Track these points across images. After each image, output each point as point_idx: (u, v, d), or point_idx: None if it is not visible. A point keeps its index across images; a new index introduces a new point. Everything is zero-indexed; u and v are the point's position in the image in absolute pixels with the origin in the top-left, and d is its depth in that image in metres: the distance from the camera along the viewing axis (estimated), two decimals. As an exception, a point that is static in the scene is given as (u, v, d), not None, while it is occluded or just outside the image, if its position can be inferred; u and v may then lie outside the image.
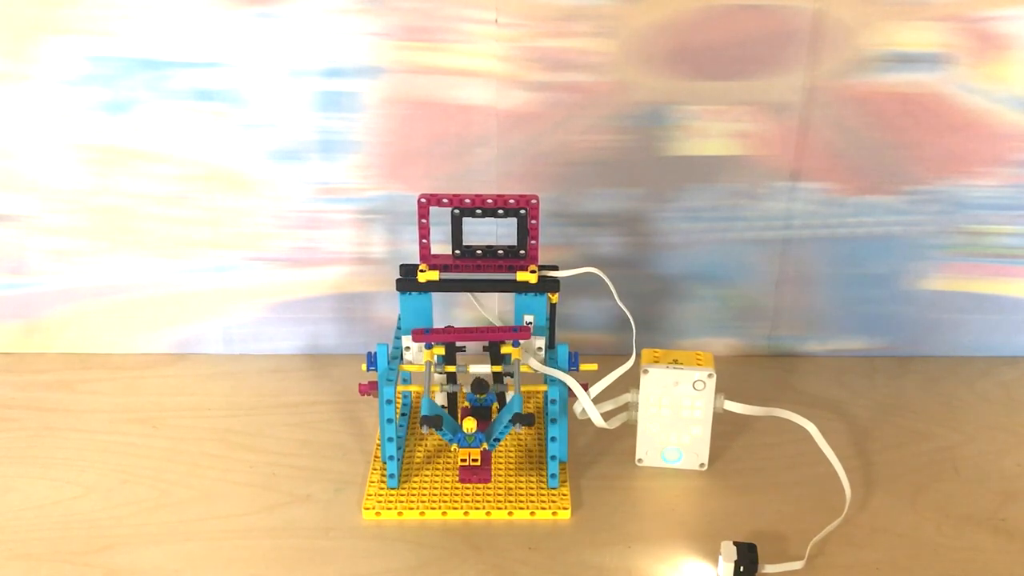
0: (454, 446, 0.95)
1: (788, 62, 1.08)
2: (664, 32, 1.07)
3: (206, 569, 0.90)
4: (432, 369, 0.99)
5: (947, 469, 1.04)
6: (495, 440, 0.95)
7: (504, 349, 1.00)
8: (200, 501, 0.99)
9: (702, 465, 1.03)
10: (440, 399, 1.12)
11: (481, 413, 0.99)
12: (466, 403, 1.00)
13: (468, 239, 1.02)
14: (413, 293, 1.02)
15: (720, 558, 0.88)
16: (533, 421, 0.92)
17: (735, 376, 1.16)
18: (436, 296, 1.05)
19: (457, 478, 1.00)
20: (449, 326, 1.01)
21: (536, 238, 1.01)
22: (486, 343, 1.00)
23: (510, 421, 0.92)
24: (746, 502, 0.99)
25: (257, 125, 1.11)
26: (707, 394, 0.99)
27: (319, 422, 1.11)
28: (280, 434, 1.09)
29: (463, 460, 0.97)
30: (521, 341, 1.00)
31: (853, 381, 1.19)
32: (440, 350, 1.00)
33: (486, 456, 0.97)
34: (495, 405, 1.01)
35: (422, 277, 1.01)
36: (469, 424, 0.94)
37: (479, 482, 0.98)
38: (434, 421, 0.92)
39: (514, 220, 1.00)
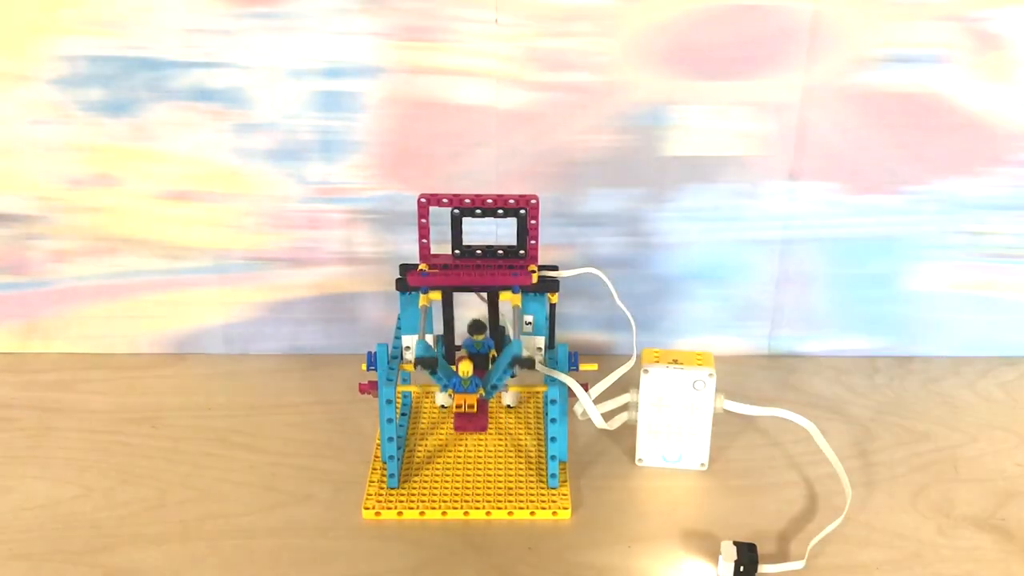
0: (449, 392, 0.93)
1: (788, 62, 1.08)
2: (664, 32, 1.07)
3: (206, 569, 0.90)
4: (425, 316, 0.97)
5: (947, 469, 1.04)
6: (493, 387, 0.93)
7: (503, 296, 0.99)
8: (200, 501, 0.99)
9: (702, 465, 1.03)
10: (440, 399, 1.12)
11: (478, 360, 0.96)
12: (463, 350, 0.98)
13: (468, 239, 1.02)
14: (413, 293, 1.02)
15: (720, 558, 0.88)
16: (533, 364, 0.90)
17: (735, 376, 1.17)
18: (436, 296, 1.05)
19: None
20: (446, 268, 0.99)
21: (536, 238, 1.01)
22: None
23: (509, 365, 0.90)
24: (746, 502, 0.99)
25: (257, 125, 1.11)
26: (707, 394, 0.99)
27: (319, 422, 1.11)
28: (280, 434, 1.09)
29: (459, 407, 0.94)
30: (519, 285, 0.98)
31: (853, 381, 1.19)
32: (436, 295, 0.98)
33: (482, 404, 0.94)
34: (492, 353, 0.99)
35: (422, 277, 1.01)
36: (465, 367, 0.91)
37: (475, 430, 0.95)
38: (429, 363, 0.90)
39: (514, 220, 1.00)
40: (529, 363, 0.89)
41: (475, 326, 0.97)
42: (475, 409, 0.95)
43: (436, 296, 0.99)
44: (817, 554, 0.91)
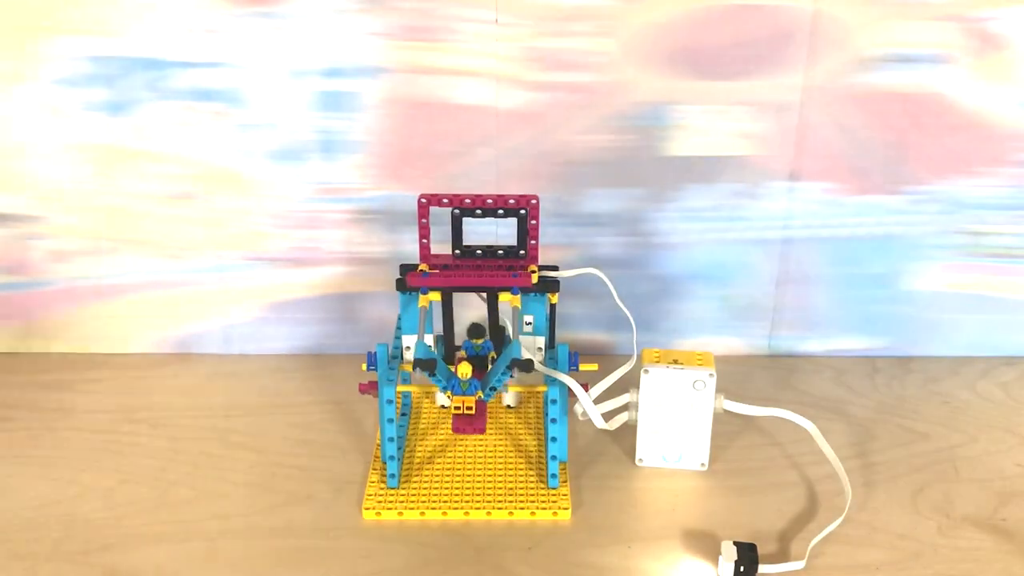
0: (447, 393, 0.93)
1: (788, 62, 1.08)
2: (664, 32, 1.07)
3: (206, 569, 0.90)
4: (424, 317, 0.97)
5: (947, 469, 1.04)
6: (491, 389, 0.93)
7: (503, 297, 0.99)
8: (200, 501, 0.99)
9: (702, 465, 1.03)
10: (440, 399, 1.12)
11: (477, 362, 0.96)
12: (462, 351, 0.98)
13: (468, 239, 1.02)
14: (413, 293, 1.02)
15: (720, 558, 0.88)
16: (532, 367, 0.90)
17: (735, 376, 1.17)
18: (436, 296, 1.05)
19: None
20: (446, 268, 0.99)
21: (536, 238, 1.01)
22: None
23: (508, 367, 0.90)
24: (746, 502, 0.99)
25: (257, 125, 1.11)
26: (707, 394, 0.99)
27: (319, 422, 1.11)
28: (280, 434, 1.09)
29: (456, 408, 0.93)
30: (518, 288, 0.98)
31: (853, 381, 1.19)
32: (436, 296, 0.99)
33: (481, 406, 0.94)
34: (492, 354, 0.98)
35: (422, 277, 1.01)
36: (464, 369, 0.91)
37: (473, 432, 0.94)
38: (427, 364, 0.90)
39: (514, 220, 1.00)
40: (528, 365, 0.89)
41: (474, 330, 0.97)
42: (473, 411, 0.94)
43: (436, 297, 0.99)
44: (817, 554, 0.91)
